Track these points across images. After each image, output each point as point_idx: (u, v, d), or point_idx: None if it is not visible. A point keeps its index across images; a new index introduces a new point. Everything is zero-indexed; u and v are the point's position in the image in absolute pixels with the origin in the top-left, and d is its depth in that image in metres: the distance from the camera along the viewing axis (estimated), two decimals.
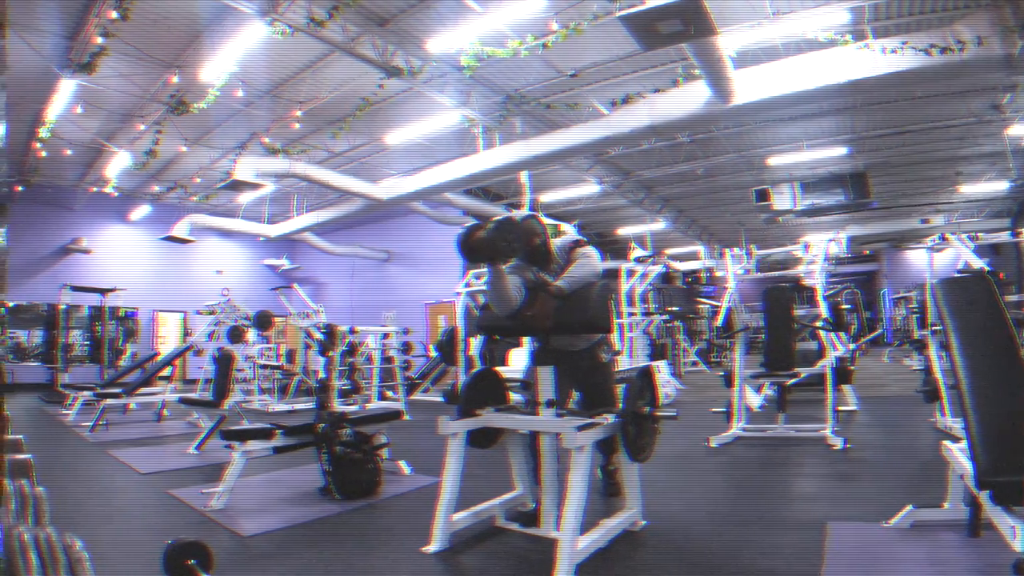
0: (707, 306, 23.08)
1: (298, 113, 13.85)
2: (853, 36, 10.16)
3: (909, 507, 4.22)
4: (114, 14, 9.43)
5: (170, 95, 13.02)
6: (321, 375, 8.41)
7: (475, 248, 4.01)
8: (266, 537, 4.60)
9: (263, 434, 5.67)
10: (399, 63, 11.53)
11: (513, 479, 4.86)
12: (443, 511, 4.20)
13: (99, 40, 10.06)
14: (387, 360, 13.93)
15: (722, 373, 9.01)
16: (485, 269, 4.23)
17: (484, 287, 4.74)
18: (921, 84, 12.69)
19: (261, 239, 23.00)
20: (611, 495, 5.12)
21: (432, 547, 4.14)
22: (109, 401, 10.56)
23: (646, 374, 4.46)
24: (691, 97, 11.42)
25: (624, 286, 14.13)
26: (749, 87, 10.85)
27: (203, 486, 5.78)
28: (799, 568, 3.70)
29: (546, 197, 20.61)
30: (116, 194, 18.62)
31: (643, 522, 4.50)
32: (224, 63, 11.14)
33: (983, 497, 3.26)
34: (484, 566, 4.00)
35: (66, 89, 11.67)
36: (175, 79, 12.37)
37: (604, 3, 9.50)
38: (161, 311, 22.62)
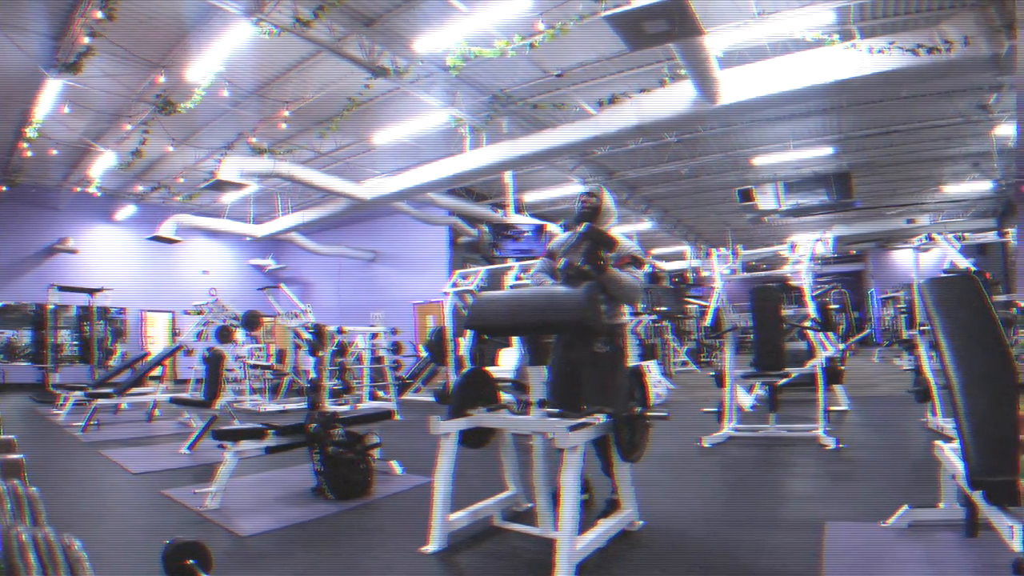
0: (695, 306, 23.13)
1: (285, 113, 13.84)
2: (840, 36, 10.21)
3: (905, 507, 4.24)
4: (99, 14, 9.39)
5: (156, 95, 12.97)
6: (312, 375, 8.40)
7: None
8: (264, 537, 4.60)
9: (255, 434, 5.66)
10: (385, 63, 11.53)
11: (505, 479, 4.87)
12: (439, 511, 4.20)
13: (86, 40, 10.02)
14: (377, 360, 13.90)
15: (713, 373, 9.03)
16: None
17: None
18: (908, 84, 12.78)
19: (247, 239, 22.98)
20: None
21: (431, 547, 4.15)
22: (100, 401, 10.53)
23: (636, 374, 4.47)
24: (678, 97, 11.44)
25: None
26: (735, 87, 10.89)
27: (196, 486, 5.76)
28: (797, 568, 3.72)
29: (529, 197, 20.67)
30: (99, 194, 18.56)
31: (640, 522, 4.52)
32: (210, 63, 11.11)
33: (977, 497, 3.28)
34: (485, 566, 4.02)
35: (53, 89, 11.62)
36: (162, 79, 12.34)
37: (590, 3, 9.53)
38: (149, 311, 22.56)
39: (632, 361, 12.01)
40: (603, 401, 4.31)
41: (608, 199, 4.96)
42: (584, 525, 3.93)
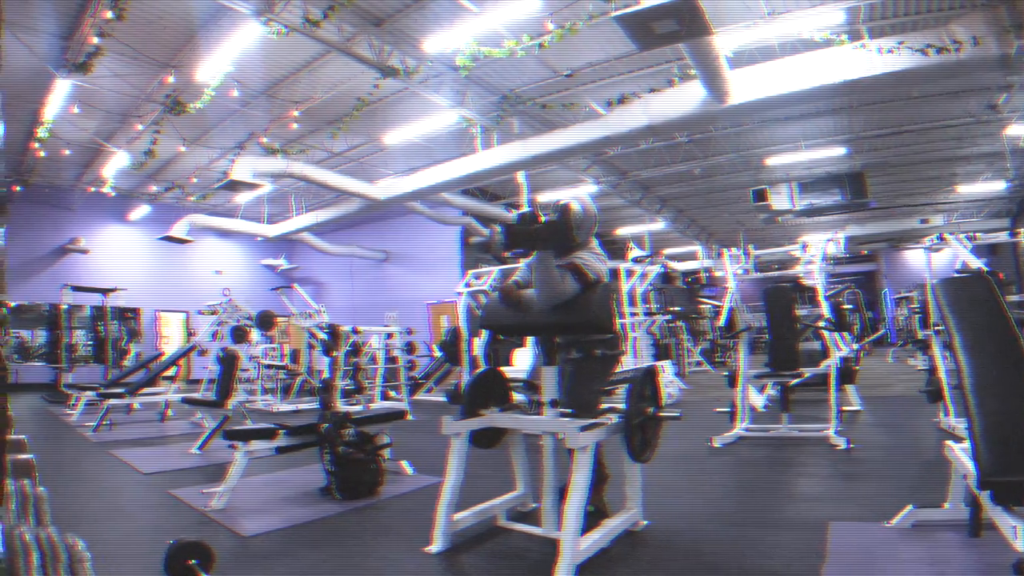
0: (709, 306, 23.12)
1: (295, 113, 13.86)
2: (849, 36, 10.19)
3: (910, 507, 4.22)
4: (109, 14, 9.41)
5: (166, 95, 13.00)
6: (325, 375, 8.41)
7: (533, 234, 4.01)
8: (267, 537, 4.61)
9: (266, 434, 5.67)
10: (395, 63, 11.53)
11: (515, 479, 4.86)
12: (444, 511, 4.21)
13: (95, 40, 10.03)
14: (391, 360, 13.92)
15: (726, 373, 9.00)
16: (532, 258, 4.19)
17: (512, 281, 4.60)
18: (918, 84, 12.74)
19: (260, 239, 23.08)
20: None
21: (434, 547, 4.15)
22: (113, 401, 10.55)
23: (649, 374, 4.45)
24: (687, 97, 11.42)
25: (624, 286, 14.12)
26: (745, 87, 10.86)
27: (205, 486, 5.79)
28: (801, 568, 3.69)
29: (543, 197, 20.62)
30: (113, 194, 18.64)
31: (644, 522, 4.50)
32: (220, 63, 11.15)
33: (984, 497, 3.26)
34: (486, 566, 4.00)
35: (62, 89, 11.66)
36: (171, 79, 12.37)
37: (600, 3, 9.51)
38: (163, 311, 22.68)
39: (646, 361, 11.98)
40: (573, 403, 4.31)
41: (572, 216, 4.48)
42: (588, 524, 3.91)
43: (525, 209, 4.10)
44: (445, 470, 4.28)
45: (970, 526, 3.82)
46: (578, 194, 4.93)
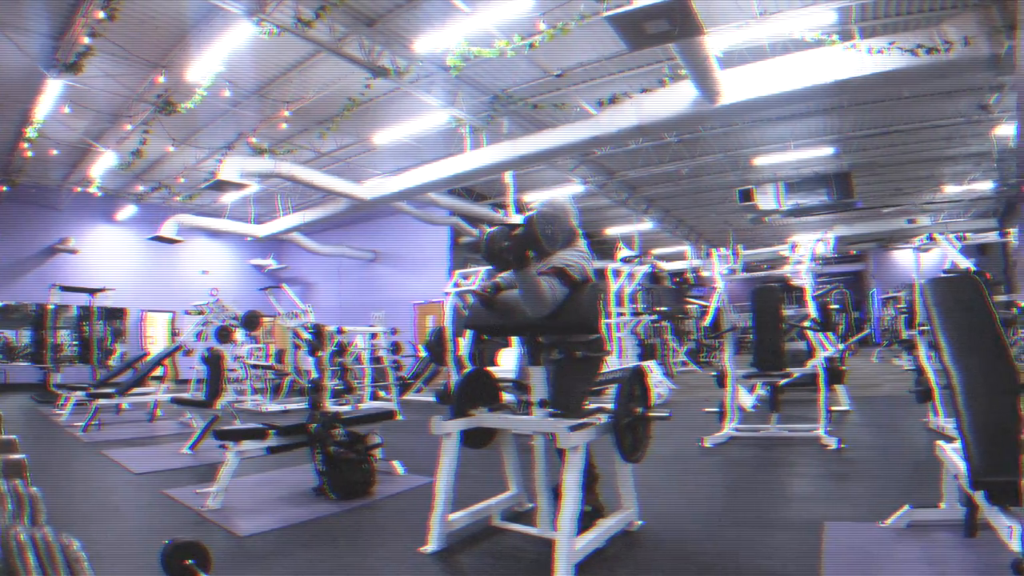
0: (695, 306, 23.14)
1: (285, 113, 13.81)
2: (840, 36, 10.19)
3: (906, 507, 4.23)
4: (101, 14, 9.38)
5: (157, 95, 12.95)
6: (313, 375, 8.39)
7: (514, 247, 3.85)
8: (263, 537, 4.61)
9: (257, 434, 5.66)
10: (385, 63, 11.51)
11: (507, 479, 4.87)
12: (439, 511, 4.21)
13: (86, 40, 10.00)
14: (376, 360, 13.89)
15: (714, 373, 9.02)
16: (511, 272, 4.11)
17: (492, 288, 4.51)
18: (908, 84, 12.77)
19: (248, 239, 22.94)
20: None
21: (429, 547, 4.16)
22: (102, 401, 10.53)
23: (638, 374, 4.46)
24: (678, 97, 11.42)
25: (613, 286, 14.13)
26: (736, 87, 10.86)
27: (197, 486, 5.77)
28: (796, 568, 3.72)
29: (529, 197, 20.58)
30: (100, 194, 18.55)
31: (639, 522, 4.52)
32: (211, 63, 11.09)
33: (978, 497, 3.28)
34: (482, 566, 4.02)
35: (53, 89, 11.58)
36: (162, 79, 12.31)
37: (591, 3, 9.50)
38: (149, 311, 22.56)
39: (631, 362, 11.98)
40: (556, 404, 4.31)
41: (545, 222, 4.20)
42: (583, 524, 3.92)
43: (493, 228, 3.95)
44: (436, 470, 4.29)
45: (966, 526, 3.83)
46: (553, 196, 4.87)
